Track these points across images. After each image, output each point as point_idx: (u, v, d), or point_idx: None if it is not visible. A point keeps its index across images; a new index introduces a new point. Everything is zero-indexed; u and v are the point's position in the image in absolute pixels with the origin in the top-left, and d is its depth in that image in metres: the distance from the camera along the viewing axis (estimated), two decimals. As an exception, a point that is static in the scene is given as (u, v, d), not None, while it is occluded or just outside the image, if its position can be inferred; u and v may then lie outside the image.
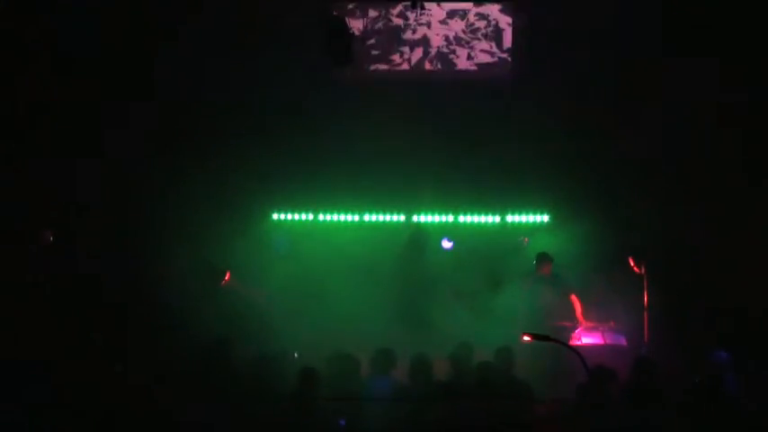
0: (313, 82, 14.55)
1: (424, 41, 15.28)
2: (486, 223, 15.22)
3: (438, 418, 9.44)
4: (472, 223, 15.23)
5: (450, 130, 14.80)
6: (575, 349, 9.67)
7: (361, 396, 10.08)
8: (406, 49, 15.27)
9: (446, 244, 15.29)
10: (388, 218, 15.34)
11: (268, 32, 14.54)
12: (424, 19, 15.16)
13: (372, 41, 14.81)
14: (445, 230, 15.24)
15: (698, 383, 9.99)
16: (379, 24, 15.20)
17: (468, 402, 9.59)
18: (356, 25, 14.29)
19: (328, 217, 15.36)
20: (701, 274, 13.61)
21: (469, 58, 15.21)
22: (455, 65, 15.24)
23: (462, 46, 15.23)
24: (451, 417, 9.40)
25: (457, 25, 15.21)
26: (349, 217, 15.35)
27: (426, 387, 10.02)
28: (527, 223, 15.13)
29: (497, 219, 15.22)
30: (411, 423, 9.54)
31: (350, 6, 14.82)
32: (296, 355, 11.17)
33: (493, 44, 15.19)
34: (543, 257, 13.86)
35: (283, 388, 10.13)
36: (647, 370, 10.15)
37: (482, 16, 15.19)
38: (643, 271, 13.44)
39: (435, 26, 15.24)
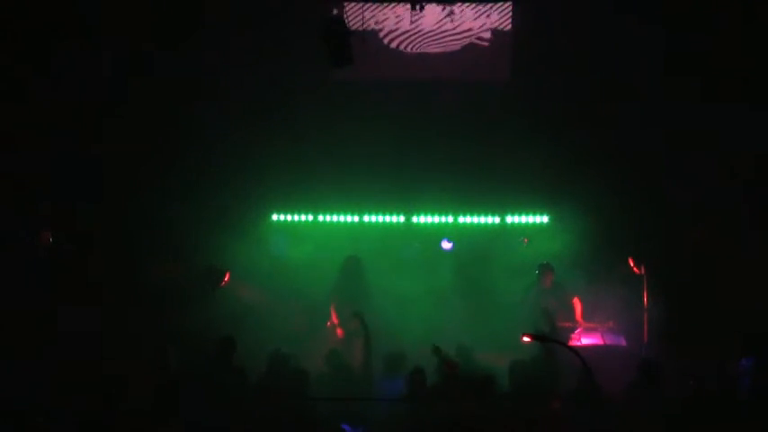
0: (313, 82, 14.55)
1: (423, 41, 15.30)
2: (485, 224, 15.23)
3: (440, 418, 9.44)
4: (472, 224, 15.24)
5: (449, 131, 14.82)
6: (574, 349, 9.67)
7: (373, 397, 10.11)
8: (406, 49, 15.28)
9: (446, 245, 15.30)
10: (387, 219, 15.34)
11: (268, 33, 14.55)
12: (423, 19, 15.16)
13: (372, 41, 14.79)
14: (445, 231, 15.27)
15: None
16: (379, 24, 15.22)
17: (469, 402, 9.60)
18: (356, 25, 14.27)
19: (328, 218, 15.37)
20: (701, 275, 13.59)
21: (469, 57, 15.22)
22: (455, 64, 15.24)
23: (462, 46, 15.24)
24: (453, 416, 9.40)
25: (456, 25, 15.22)
26: (348, 218, 15.36)
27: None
28: (527, 224, 15.14)
29: (497, 219, 15.22)
30: (413, 422, 9.54)
31: (349, 6, 14.81)
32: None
33: (492, 44, 15.19)
34: (546, 268, 13.83)
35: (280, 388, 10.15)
36: (651, 371, 10.13)
37: (481, 17, 15.20)
38: (643, 271, 13.44)
39: (435, 26, 15.25)
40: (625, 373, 10.47)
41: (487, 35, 15.18)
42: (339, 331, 13.82)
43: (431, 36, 15.26)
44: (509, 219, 15.20)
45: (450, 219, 15.26)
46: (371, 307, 13.49)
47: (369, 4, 14.97)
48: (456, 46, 15.22)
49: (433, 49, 15.24)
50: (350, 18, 14.46)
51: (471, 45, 15.20)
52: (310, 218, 15.40)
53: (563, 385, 10.25)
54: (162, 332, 12.25)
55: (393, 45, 15.27)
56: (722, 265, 13.54)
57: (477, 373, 10.37)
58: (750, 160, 13.71)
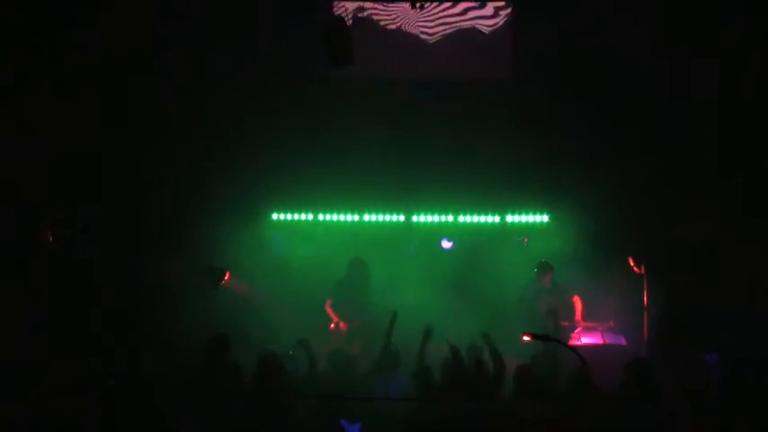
0: (313, 81, 14.55)
1: (423, 41, 15.29)
2: (485, 223, 15.23)
3: (439, 418, 9.45)
4: (472, 223, 15.24)
5: (449, 130, 14.81)
6: (574, 349, 9.69)
7: (372, 395, 10.12)
8: (406, 50, 15.27)
9: (446, 244, 15.31)
10: (387, 218, 15.35)
11: (268, 32, 14.55)
12: (422, 18, 15.16)
13: (371, 41, 14.79)
14: (445, 230, 15.27)
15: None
16: (380, 23, 15.21)
17: (468, 402, 9.61)
18: (356, 24, 14.28)
19: (328, 217, 15.37)
20: (702, 274, 13.59)
21: (469, 57, 15.21)
22: (455, 64, 15.23)
23: (462, 45, 15.23)
24: (452, 416, 9.42)
25: (456, 24, 15.21)
26: (349, 217, 15.36)
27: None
28: (527, 223, 15.14)
29: (497, 219, 15.22)
30: (413, 422, 9.55)
31: (350, 5, 14.81)
32: (291, 352, 11.19)
33: (492, 44, 15.19)
34: (545, 267, 13.85)
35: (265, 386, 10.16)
36: (638, 372, 10.13)
37: (481, 16, 15.20)
38: (643, 270, 13.45)
39: (434, 26, 15.25)
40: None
41: (486, 32, 15.18)
42: (342, 325, 13.81)
43: (431, 33, 15.26)
44: (509, 218, 15.19)
45: (451, 218, 15.26)
46: (371, 307, 13.55)
47: (369, 3, 14.96)
48: (456, 43, 15.22)
49: (433, 46, 15.24)
50: (350, 17, 14.46)
51: (471, 43, 15.21)
52: (310, 217, 15.40)
53: (562, 385, 10.25)
54: (140, 334, 12.24)
55: (394, 44, 15.26)
56: (723, 265, 13.54)
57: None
58: (751, 160, 13.71)
